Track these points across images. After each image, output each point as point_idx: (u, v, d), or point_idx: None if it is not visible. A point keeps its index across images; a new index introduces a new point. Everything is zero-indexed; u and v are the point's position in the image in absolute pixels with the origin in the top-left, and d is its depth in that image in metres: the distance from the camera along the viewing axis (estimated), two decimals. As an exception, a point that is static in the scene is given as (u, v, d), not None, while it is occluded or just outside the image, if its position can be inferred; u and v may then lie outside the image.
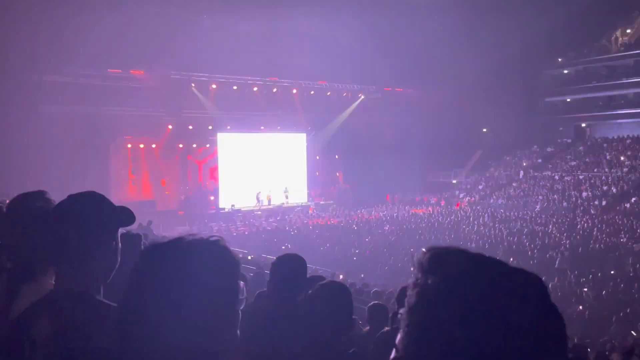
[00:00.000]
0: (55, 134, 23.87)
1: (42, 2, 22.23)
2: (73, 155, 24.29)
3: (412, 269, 0.92)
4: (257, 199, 32.60)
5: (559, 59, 40.91)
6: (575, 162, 34.90)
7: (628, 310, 13.00)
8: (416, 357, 0.78)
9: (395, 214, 30.39)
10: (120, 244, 1.60)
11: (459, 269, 0.81)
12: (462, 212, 30.20)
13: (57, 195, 2.03)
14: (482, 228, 24.93)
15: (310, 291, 2.28)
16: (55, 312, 1.47)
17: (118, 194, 28.29)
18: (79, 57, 24.90)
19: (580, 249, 19.81)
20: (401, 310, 0.83)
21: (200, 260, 1.08)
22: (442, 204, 34.02)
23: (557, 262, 18.31)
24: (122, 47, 24.52)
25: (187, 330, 1.02)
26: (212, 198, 31.78)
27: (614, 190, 29.57)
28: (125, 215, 1.58)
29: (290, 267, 2.88)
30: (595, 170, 32.83)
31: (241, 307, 1.13)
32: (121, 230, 1.63)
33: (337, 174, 38.53)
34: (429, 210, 31.71)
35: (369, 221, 28.36)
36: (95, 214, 1.52)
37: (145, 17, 24.40)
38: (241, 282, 1.14)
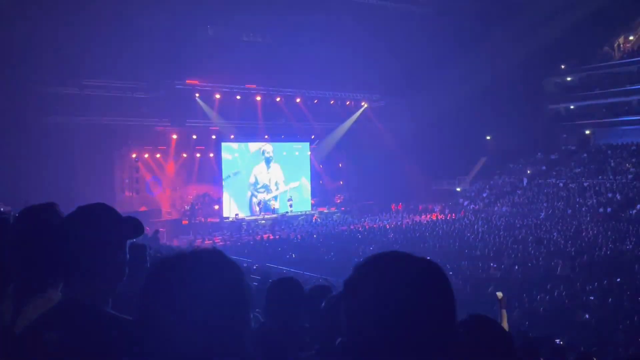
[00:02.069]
0: (61, 145, 24.00)
1: (47, 14, 22.41)
2: (78, 165, 24.40)
3: None
4: (260, 208, 32.67)
5: (562, 66, 40.90)
6: (579, 169, 34.79)
7: (635, 319, 12.90)
8: (347, 336, 1.02)
9: (399, 222, 30.33)
10: (128, 255, 1.62)
11: (363, 265, 1.07)
12: (466, 219, 30.13)
13: (63, 205, 2.05)
14: (486, 235, 24.84)
15: (323, 303, 2.28)
16: (63, 324, 1.48)
17: (123, 204, 28.42)
18: (84, 68, 25.09)
19: (585, 257, 19.70)
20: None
21: (210, 269, 1.12)
22: (445, 212, 33.96)
23: (558, 269, 18.23)
24: (126, 58, 24.68)
25: (204, 339, 1.05)
26: (216, 207, 31.83)
27: (619, 197, 29.45)
28: (134, 227, 1.60)
29: (286, 294, 2.78)
30: (600, 177, 32.72)
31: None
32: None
33: (341, 182, 38.52)
34: (433, 218, 31.67)
35: (372, 229, 28.30)
36: (104, 226, 1.54)
37: (149, 28, 24.57)
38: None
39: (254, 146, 33.88)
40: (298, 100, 33.85)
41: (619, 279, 16.50)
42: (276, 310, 2.75)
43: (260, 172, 33.78)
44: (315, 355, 2.19)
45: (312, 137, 36.67)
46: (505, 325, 5.42)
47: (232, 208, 31.74)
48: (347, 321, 1.02)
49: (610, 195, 30.01)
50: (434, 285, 1.02)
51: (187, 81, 29.79)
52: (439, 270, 1.04)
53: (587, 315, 13.63)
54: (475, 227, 27.40)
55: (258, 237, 27.23)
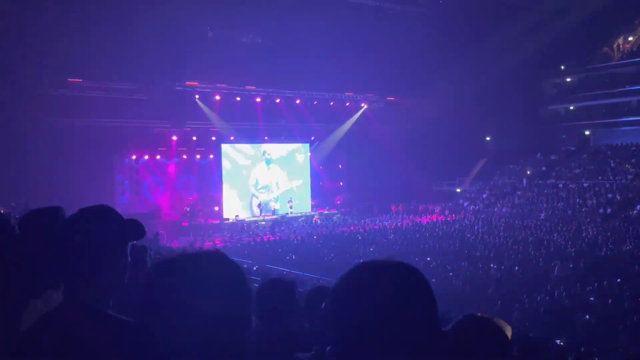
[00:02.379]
0: (61, 146, 24.03)
1: (48, 17, 22.44)
2: (79, 166, 24.41)
3: None
4: (260, 209, 32.66)
5: (562, 67, 40.93)
6: (579, 170, 34.80)
7: (635, 319, 12.90)
8: (335, 344, 1.07)
9: (399, 223, 30.33)
10: (129, 258, 1.62)
11: (346, 275, 1.12)
12: (466, 220, 30.13)
13: (62, 207, 2.05)
14: (486, 236, 24.84)
15: (323, 304, 2.27)
16: (64, 326, 1.48)
17: (123, 205, 28.44)
18: (84, 70, 25.12)
19: (585, 257, 19.70)
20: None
21: (212, 271, 1.12)
22: (445, 213, 33.96)
23: (556, 270, 18.23)
24: (126, 60, 24.71)
25: (205, 340, 1.05)
26: (216, 209, 31.83)
27: (619, 197, 29.45)
28: (136, 229, 1.60)
29: (278, 297, 2.73)
30: (600, 177, 32.73)
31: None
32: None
33: (341, 183, 38.54)
34: (433, 219, 31.66)
35: (373, 230, 28.31)
36: (106, 228, 1.54)
37: (149, 30, 24.60)
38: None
39: (254, 147, 33.90)
40: (298, 101, 33.87)
41: (619, 280, 16.50)
42: (266, 312, 2.73)
43: (261, 173, 33.80)
44: (315, 356, 2.20)
45: (312, 138, 36.69)
46: (508, 332, 5.40)
47: (232, 209, 31.73)
48: (335, 329, 1.06)
49: (610, 195, 30.01)
50: (413, 289, 1.07)
51: (187, 83, 29.81)
52: (417, 274, 1.10)
53: (587, 316, 13.63)
54: (476, 227, 27.40)
55: (258, 239, 27.24)
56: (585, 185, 32.45)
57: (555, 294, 15.44)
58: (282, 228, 30.23)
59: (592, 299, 14.95)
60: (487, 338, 1.72)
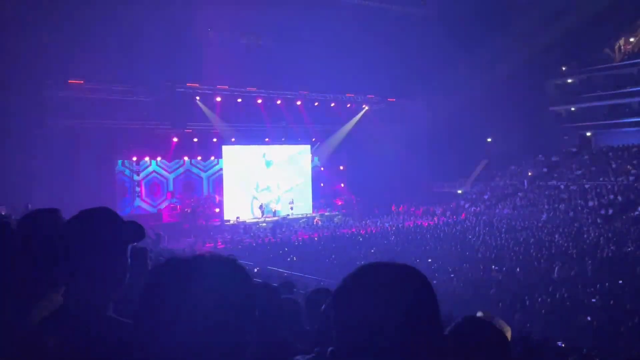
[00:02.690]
0: (62, 147, 24.06)
1: (49, 17, 22.47)
2: (79, 168, 24.44)
3: None
4: (261, 210, 32.65)
5: (563, 68, 40.92)
6: (580, 171, 34.76)
7: (637, 320, 12.87)
8: (338, 345, 1.09)
9: (400, 225, 30.31)
10: (129, 259, 1.62)
11: (350, 276, 1.13)
12: (468, 222, 30.11)
13: (63, 208, 2.05)
14: (487, 238, 24.82)
15: (324, 306, 2.27)
16: (65, 328, 1.48)
17: (124, 207, 28.47)
18: (86, 71, 25.15)
19: (587, 259, 19.67)
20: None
21: (216, 277, 1.11)
22: (447, 215, 33.93)
23: (555, 271, 18.19)
24: (127, 61, 24.74)
25: (205, 347, 1.04)
26: (217, 210, 31.83)
27: (620, 199, 29.40)
28: (135, 231, 1.60)
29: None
30: (601, 179, 32.69)
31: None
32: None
33: (342, 184, 38.51)
34: (434, 221, 31.63)
35: (374, 232, 28.28)
36: (106, 230, 1.54)
37: (150, 32, 24.63)
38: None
39: (255, 149, 33.90)
40: (299, 103, 33.87)
41: (620, 281, 16.48)
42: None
43: (262, 175, 33.80)
44: (316, 358, 2.19)
45: (313, 139, 36.68)
46: (508, 333, 5.39)
47: (233, 211, 31.72)
48: (337, 330, 1.08)
49: (611, 197, 29.96)
50: (415, 291, 1.08)
51: (187, 84, 29.83)
52: (420, 276, 1.12)
53: (588, 317, 13.60)
54: (477, 229, 27.37)
55: (259, 240, 27.24)
56: (586, 186, 32.41)
57: (557, 295, 15.42)
58: (283, 229, 30.23)
59: (593, 300, 14.93)
60: (486, 339, 1.72)
